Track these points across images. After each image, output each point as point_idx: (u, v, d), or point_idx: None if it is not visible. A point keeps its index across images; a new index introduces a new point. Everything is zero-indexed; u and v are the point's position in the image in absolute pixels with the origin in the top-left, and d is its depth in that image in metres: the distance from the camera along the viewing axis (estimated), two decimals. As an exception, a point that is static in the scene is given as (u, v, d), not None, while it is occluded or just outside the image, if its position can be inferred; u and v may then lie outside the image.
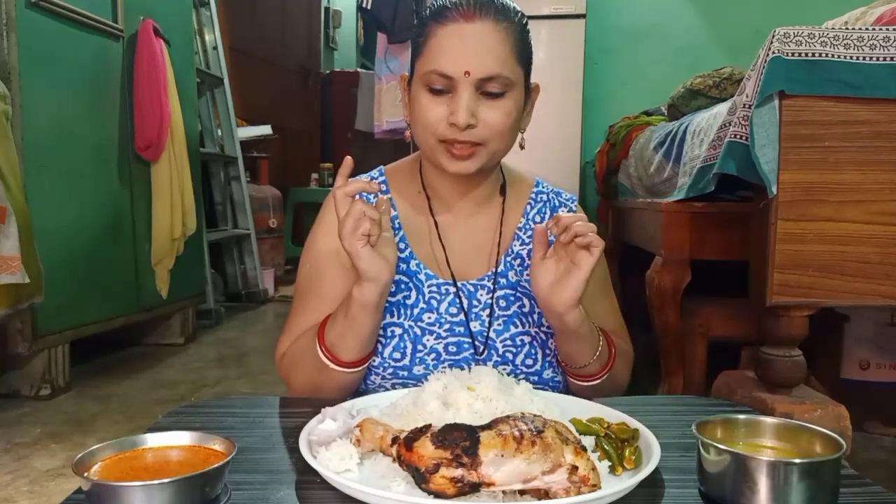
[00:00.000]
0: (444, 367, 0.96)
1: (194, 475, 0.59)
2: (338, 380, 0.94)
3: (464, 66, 0.91)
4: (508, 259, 1.07)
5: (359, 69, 6.41)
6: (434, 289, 1.02)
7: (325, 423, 0.73)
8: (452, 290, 1.02)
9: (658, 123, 2.52)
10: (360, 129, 5.03)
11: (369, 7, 3.50)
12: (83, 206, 2.67)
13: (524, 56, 0.97)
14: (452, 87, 0.93)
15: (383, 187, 1.08)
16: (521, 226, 1.09)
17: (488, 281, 1.04)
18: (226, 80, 4.30)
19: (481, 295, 1.03)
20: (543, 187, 1.15)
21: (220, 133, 4.31)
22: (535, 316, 1.03)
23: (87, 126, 2.70)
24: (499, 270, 1.05)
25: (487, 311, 1.02)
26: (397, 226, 1.05)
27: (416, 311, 1.01)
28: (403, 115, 1.05)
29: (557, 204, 1.13)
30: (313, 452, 0.68)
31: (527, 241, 1.08)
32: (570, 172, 3.42)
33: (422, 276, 1.02)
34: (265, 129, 4.84)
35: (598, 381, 0.99)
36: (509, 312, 1.03)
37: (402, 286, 1.02)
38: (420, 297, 1.01)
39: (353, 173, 1.11)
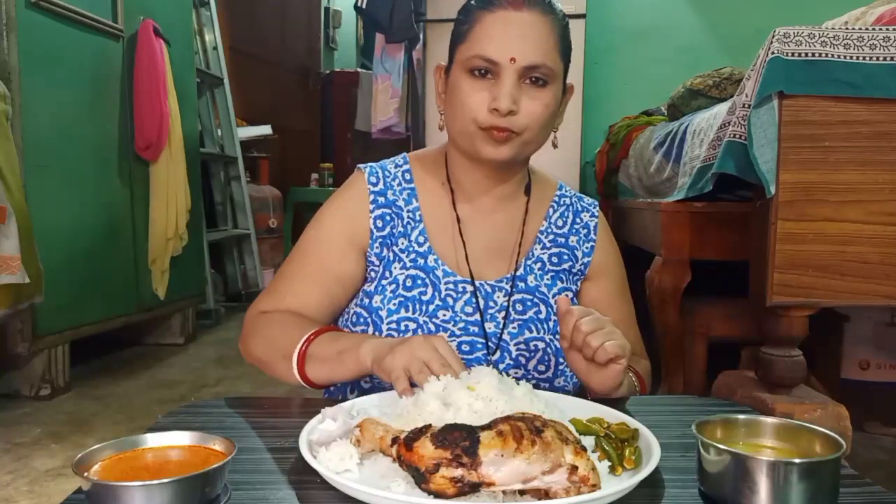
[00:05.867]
0: None
1: (194, 475, 0.59)
2: (289, 379, 0.94)
3: (509, 53, 0.92)
4: (529, 262, 1.06)
5: (359, 69, 6.39)
6: (451, 286, 1.01)
7: (325, 423, 0.73)
8: (469, 289, 1.02)
9: (658, 123, 2.52)
10: (360, 129, 5.02)
11: (364, 6, 3.48)
12: (83, 206, 2.67)
13: (566, 52, 0.98)
14: (496, 73, 0.93)
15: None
16: (543, 229, 1.08)
17: (506, 283, 1.03)
18: (226, 80, 4.30)
19: (498, 296, 1.02)
20: (566, 191, 1.14)
21: (220, 133, 4.31)
22: (551, 323, 1.02)
23: (87, 126, 2.70)
24: (518, 273, 1.04)
25: (503, 313, 1.01)
26: (418, 217, 1.04)
27: (431, 307, 1.00)
28: (437, 105, 1.04)
29: (580, 209, 1.12)
30: (313, 452, 0.68)
31: (548, 245, 1.08)
32: (570, 172, 3.41)
33: (439, 273, 1.01)
34: (265, 129, 4.83)
35: None
36: (525, 317, 1.02)
37: (419, 282, 1.01)
38: (436, 293, 1.00)
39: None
